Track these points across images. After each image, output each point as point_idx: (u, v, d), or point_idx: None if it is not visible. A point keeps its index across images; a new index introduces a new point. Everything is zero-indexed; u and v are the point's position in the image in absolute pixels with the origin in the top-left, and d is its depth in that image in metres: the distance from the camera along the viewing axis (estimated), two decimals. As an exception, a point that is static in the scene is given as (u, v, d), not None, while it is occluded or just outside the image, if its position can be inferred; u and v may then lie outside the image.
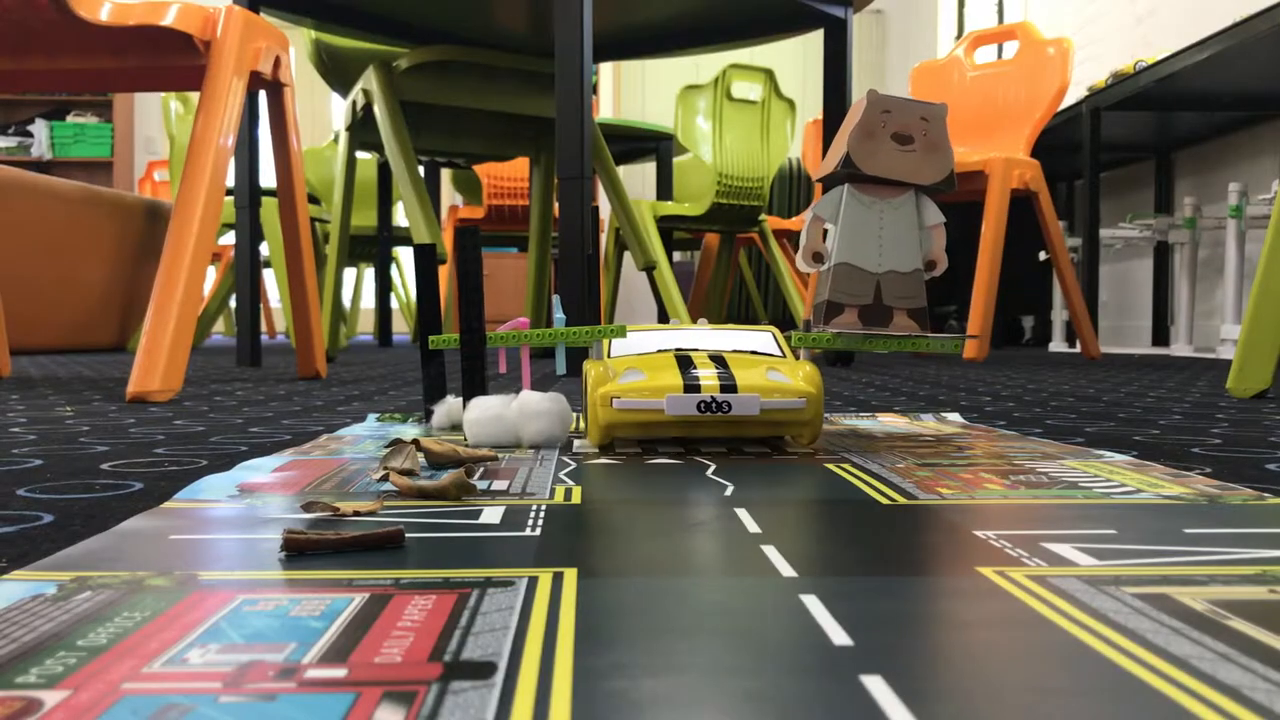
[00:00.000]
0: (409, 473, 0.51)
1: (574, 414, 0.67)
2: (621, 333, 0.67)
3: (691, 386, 0.60)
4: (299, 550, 0.35)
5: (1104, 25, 3.54)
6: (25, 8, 1.06)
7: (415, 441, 0.56)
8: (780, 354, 0.70)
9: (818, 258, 0.66)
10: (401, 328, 5.91)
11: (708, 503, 0.45)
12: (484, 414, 0.65)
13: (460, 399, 0.72)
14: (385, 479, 0.50)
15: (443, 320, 2.86)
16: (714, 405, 0.59)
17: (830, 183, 0.68)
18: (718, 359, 0.65)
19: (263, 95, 1.41)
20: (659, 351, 0.69)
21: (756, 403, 0.59)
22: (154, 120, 5.06)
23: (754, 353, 0.70)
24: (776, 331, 0.74)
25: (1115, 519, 0.41)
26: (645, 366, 0.64)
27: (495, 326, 0.70)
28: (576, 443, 0.67)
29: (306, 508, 0.42)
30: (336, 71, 2.33)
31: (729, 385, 0.60)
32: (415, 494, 0.46)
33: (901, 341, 0.65)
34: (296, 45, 1.68)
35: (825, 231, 0.66)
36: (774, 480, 0.51)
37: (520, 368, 0.70)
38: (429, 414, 0.74)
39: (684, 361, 0.64)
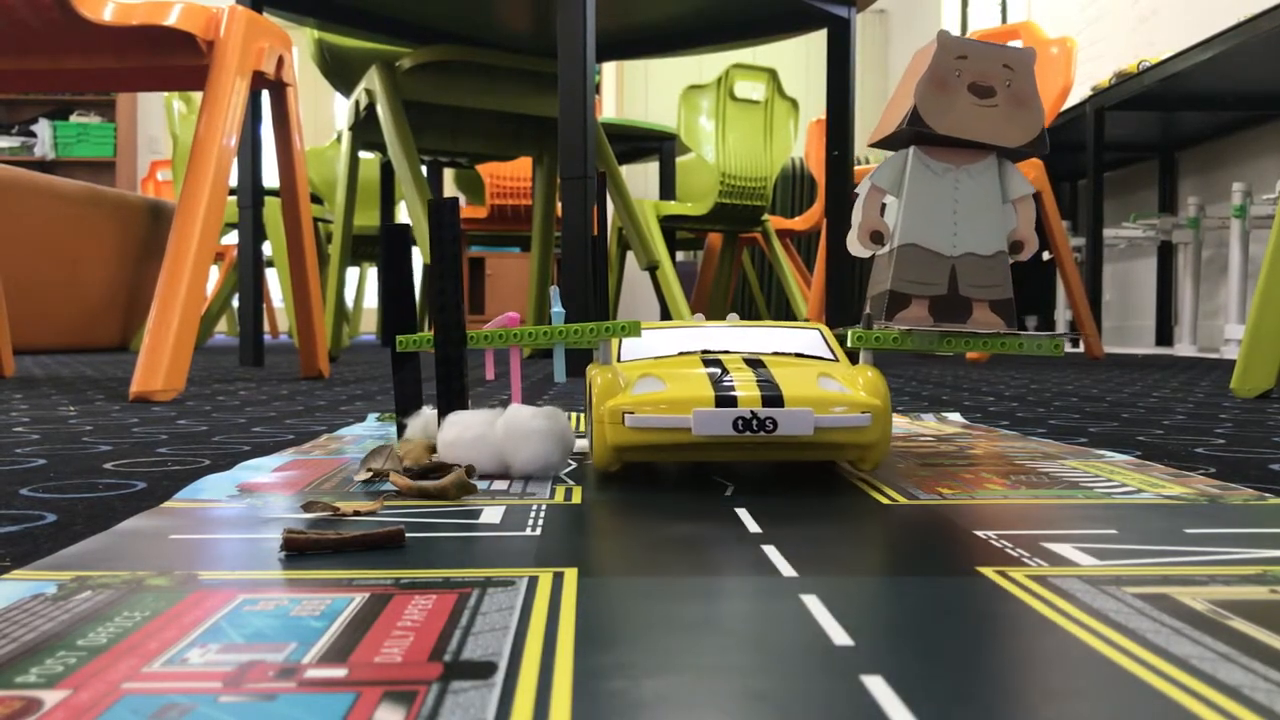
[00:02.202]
0: (408, 472, 0.51)
1: (575, 433, 0.53)
2: (635, 331, 0.53)
3: (725, 399, 0.47)
4: (299, 550, 0.35)
5: (1107, 25, 3.54)
6: (28, 8, 1.07)
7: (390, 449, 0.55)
8: (831, 356, 0.58)
9: (876, 238, 0.54)
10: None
11: (708, 503, 0.45)
12: (462, 435, 0.52)
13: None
14: (370, 480, 0.50)
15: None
16: (755, 423, 0.46)
17: (891, 146, 0.56)
18: (756, 363, 0.53)
19: (266, 95, 1.41)
20: (681, 354, 0.57)
21: (809, 419, 0.46)
22: (157, 120, 5.06)
23: (798, 355, 0.57)
24: (825, 329, 0.61)
25: (1116, 519, 0.41)
26: (665, 373, 0.51)
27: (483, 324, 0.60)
28: (578, 443, 0.67)
29: (307, 508, 0.42)
30: (339, 71, 2.33)
31: (773, 397, 0.47)
32: (416, 494, 0.46)
33: (988, 341, 0.53)
34: (299, 45, 1.68)
35: (884, 206, 0.55)
36: (774, 480, 0.51)
37: (510, 373, 0.59)
38: (401, 428, 0.60)
39: (714, 366, 0.52)
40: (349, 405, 1.01)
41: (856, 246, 0.55)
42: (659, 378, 0.51)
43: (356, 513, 0.41)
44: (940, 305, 0.53)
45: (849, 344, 0.53)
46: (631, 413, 0.47)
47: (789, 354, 0.57)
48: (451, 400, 0.57)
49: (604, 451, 0.49)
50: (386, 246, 0.60)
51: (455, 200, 0.56)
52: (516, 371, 0.59)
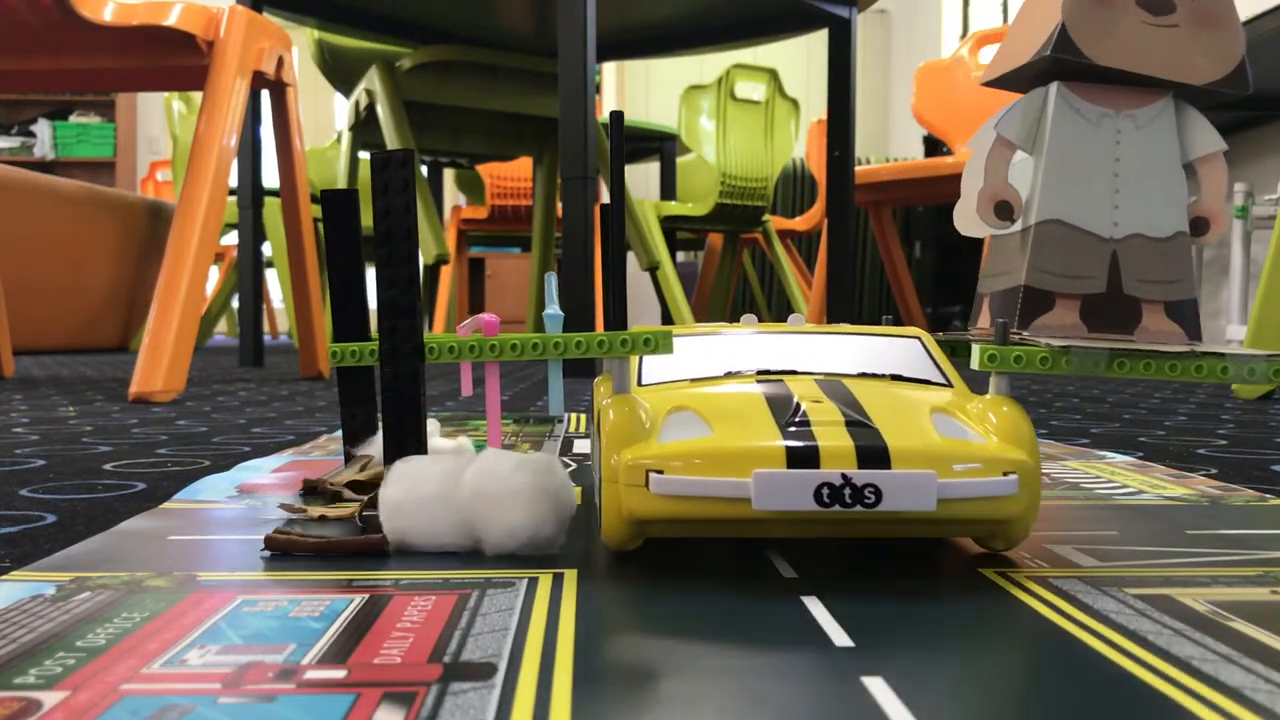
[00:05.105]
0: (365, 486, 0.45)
1: (574, 493, 0.37)
2: (665, 344, 0.37)
3: (801, 452, 0.31)
4: (280, 550, 0.35)
5: (1108, 25, 3.53)
6: (28, 8, 1.06)
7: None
8: (943, 379, 0.39)
9: (1003, 210, 0.39)
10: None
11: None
12: (413, 494, 0.35)
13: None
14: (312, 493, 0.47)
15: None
16: (848, 493, 0.30)
17: (1016, 86, 0.41)
18: (836, 389, 0.36)
19: (266, 95, 1.41)
20: (728, 375, 0.39)
21: (930, 487, 0.30)
22: (157, 120, 5.06)
23: (896, 377, 0.39)
24: (928, 338, 0.42)
25: (1117, 520, 0.41)
26: (708, 406, 0.35)
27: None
28: (578, 444, 0.67)
29: (285, 508, 0.42)
30: (339, 71, 2.33)
31: (873, 450, 0.31)
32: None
33: (1177, 364, 0.36)
34: (299, 45, 1.68)
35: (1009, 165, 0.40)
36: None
37: (485, 396, 0.42)
38: (349, 459, 0.47)
39: (778, 395, 0.35)
40: (349, 405, 1.01)
41: (972, 222, 0.40)
42: (700, 415, 0.34)
43: (324, 517, 0.40)
44: (1096, 307, 0.39)
45: (976, 364, 0.37)
46: (660, 471, 0.32)
47: (882, 375, 0.39)
48: (404, 438, 0.40)
49: (618, 525, 0.33)
50: (327, 219, 0.44)
51: (409, 152, 0.40)
52: (495, 401, 0.41)
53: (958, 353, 0.42)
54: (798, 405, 0.34)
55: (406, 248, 0.40)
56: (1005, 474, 0.31)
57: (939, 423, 0.34)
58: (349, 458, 0.47)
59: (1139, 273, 0.39)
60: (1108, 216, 0.39)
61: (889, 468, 0.30)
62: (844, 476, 0.30)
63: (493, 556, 0.35)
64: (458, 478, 0.35)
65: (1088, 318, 0.39)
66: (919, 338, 0.42)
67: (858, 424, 0.32)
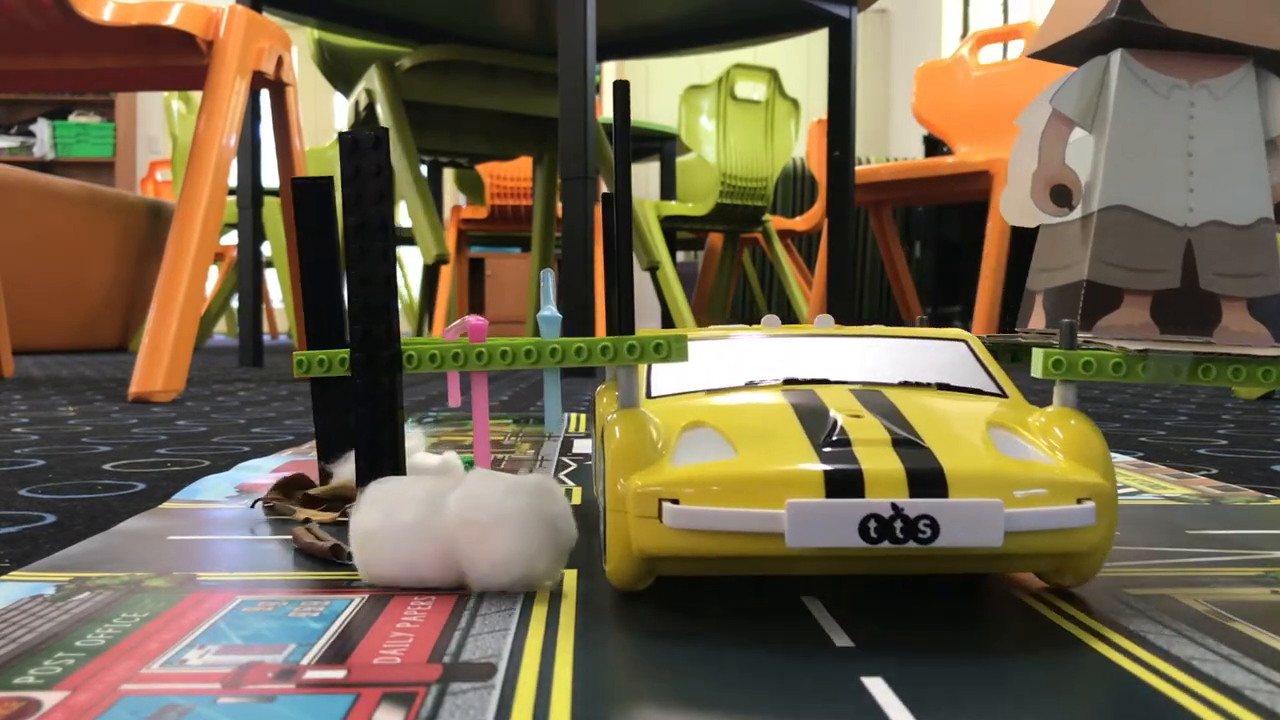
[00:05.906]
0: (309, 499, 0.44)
1: (573, 521, 0.32)
2: (679, 351, 0.32)
3: (842, 477, 0.26)
4: (296, 544, 0.36)
5: (1108, 25, 3.53)
6: (28, 8, 1.06)
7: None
8: (996, 389, 0.34)
9: (1061, 195, 0.35)
10: (403, 328, 5.90)
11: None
12: (389, 522, 0.31)
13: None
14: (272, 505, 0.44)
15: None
16: (899, 526, 0.26)
17: (1068, 57, 0.37)
18: (876, 401, 0.31)
19: (265, 95, 1.41)
20: (749, 384, 0.34)
21: (997, 519, 0.26)
22: (156, 120, 5.06)
23: (942, 386, 0.34)
24: (975, 341, 0.37)
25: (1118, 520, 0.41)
26: (729, 422, 0.30)
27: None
28: (578, 445, 0.67)
29: (279, 491, 0.42)
30: (339, 71, 2.34)
31: (927, 473, 0.26)
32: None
33: (1272, 370, 0.31)
34: (299, 45, 1.68)
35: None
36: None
37: (473, 409, 0.37)
38: (325, 476, 0.43)
39: (810, 409, 0.30)
40: (349, 405, 1.01)
41: (1024, 210, 0.35)
42: (721, 433, 0.29)
43: (309, 520, 0.40)
44: (1169, 305, 0.34)
45: (1038, 371, 0.32)
46: (676, 501, 0.27)
47: (925, 385, 0.34)
48: (378, 458, 0.35)
49: (626, 562, 0.29)
50: (297, 211, 0.40)
51: (383, 132, 0.35)
52: (482, 414, 0.37)
53: (999, 356, 0.38)
54: (834, 421, 0.29)
55: (381, 242, 0.35)
56: (1080, 501, 0.27)
57: (998, 440, 0.29)
58: (325, 476, 0.43)
59: (1217, 265, 0.34)
60: (1181, 201, 0.34)
61: (946, 495, 0.26)
62: (894, 507, 0.26)
63: (480, 591, 0.30)
64: (439, 501, 0.31)
65: (1159, 316, 0.34)
66: (965, 340, 0.37)
67: (906, 443, 0.28)
